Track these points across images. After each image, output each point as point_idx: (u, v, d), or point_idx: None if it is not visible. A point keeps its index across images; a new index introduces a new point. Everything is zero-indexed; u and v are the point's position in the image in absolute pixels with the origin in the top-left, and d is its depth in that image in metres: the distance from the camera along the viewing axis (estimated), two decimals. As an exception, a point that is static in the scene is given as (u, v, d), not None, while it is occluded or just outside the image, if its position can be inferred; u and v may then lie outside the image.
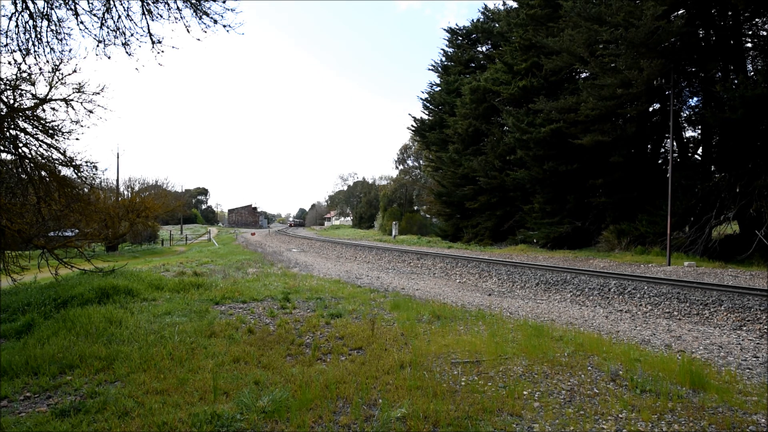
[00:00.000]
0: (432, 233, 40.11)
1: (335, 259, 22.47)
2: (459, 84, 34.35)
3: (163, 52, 7.20)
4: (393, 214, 50.65)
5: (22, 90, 7.33)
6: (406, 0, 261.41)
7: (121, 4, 6.95)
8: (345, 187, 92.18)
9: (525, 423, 3.59)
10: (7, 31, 6.71)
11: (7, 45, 6.78)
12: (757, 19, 18.68)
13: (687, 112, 21.79)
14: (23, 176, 7.82)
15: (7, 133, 7.32)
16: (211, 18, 6.98)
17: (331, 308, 8.13)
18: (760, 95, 15.16)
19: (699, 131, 21.41)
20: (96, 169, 8.73)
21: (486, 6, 36.60)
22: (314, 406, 3.85)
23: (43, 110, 7.74)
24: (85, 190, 9.37)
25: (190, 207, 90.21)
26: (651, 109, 21.81)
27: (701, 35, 19.31)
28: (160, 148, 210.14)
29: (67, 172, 8.39)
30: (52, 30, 6.93)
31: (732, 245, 17.64)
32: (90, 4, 6.85)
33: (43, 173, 7.95)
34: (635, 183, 21.21)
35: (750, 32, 19.25)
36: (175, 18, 6.97)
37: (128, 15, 7.00)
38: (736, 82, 17.23)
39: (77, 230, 11.07)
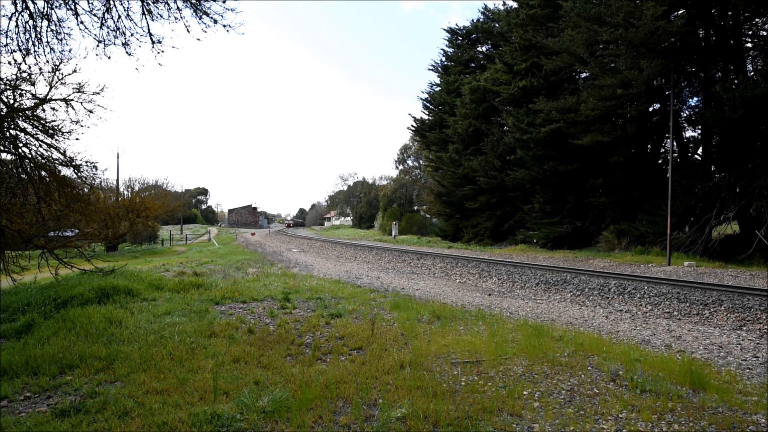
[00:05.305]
0: (432, 233, 40.11)
1: (335, 259, 22.47)
2: (459, 84, 34.37)
3: (163, 52, 7.19)
4: (393, 214, 50.65)
5: (22, 90, 7.32)
6: (409, 0, 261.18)
7: (121, 4, 6.95)
8: (345, 187, 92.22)
9: (525, 423, 3.58)
10: (7, 31, 6.71)
11: (7, 45, 6.78)
12: (757, 19, 18.69)
13: (687, 112, 21.83)
14: (23, 176, 7.81)
15: (7, 133, 7.31)
16: (211, 18, 6.98)
17: (331, 308, 8.13)
18: (760, 95, 15.16)
19: (699, 131, 21.44)
20: (96, 169, 8.70)
21: (486, 6, 36.62)
22: (314, 406, 3.85)
23: (43, 110, 7.73)
24: (85, 190, 9.35)
25: (190, 207, 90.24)
26: (651, 109, 21.82)
27: (701, 35, 19.31)
28: (160, 148, 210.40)
29: (67, 172, 8.37)
30: (52, 30, 6.93)
31: (732, 245, 17.64)
32: (90, 4, 6.85)
33: (43, 173, 7.93)
34: (635, 183, 21.21)
35: (750, 32, 19.26)
36: (175, 18, 6.96)
37: (128, 15, 7.00)
38: (736, 82, 17.24)
39: (77, 230, 11.06)
